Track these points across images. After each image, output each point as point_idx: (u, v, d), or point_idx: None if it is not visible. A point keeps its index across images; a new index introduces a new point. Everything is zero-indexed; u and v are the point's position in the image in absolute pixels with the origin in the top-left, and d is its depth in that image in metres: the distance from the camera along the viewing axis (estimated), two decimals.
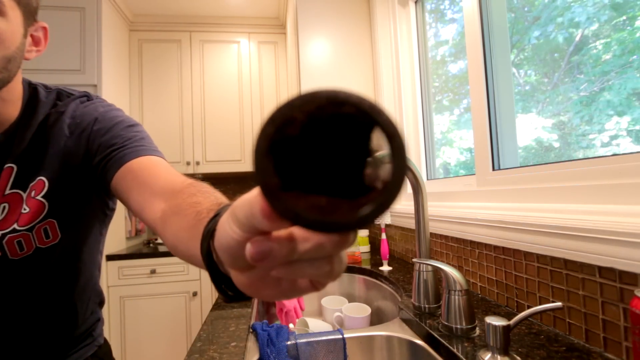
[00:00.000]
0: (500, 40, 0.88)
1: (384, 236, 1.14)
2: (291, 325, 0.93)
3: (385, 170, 0.12)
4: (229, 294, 0.24)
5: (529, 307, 0.63)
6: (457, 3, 1.17)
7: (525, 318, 0.45)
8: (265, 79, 2.29)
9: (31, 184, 0.51)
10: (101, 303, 0.70)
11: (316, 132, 0.13)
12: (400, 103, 1.40)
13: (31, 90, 0.55)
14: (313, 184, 0.13)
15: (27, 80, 0.56)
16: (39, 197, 0.51)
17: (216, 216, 0.25)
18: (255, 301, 0.88)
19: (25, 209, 0.50)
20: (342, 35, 1.53)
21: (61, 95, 0.57)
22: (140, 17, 2.18)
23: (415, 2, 1.37)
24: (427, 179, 1.32)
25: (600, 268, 0.49)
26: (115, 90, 1.92)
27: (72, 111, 0.54)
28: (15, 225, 0.50)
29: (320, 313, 1.14)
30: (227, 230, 0.18)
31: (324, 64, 1.51)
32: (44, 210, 0.52)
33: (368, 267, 1.15)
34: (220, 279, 0.24)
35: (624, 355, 0.46)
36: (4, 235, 0.49)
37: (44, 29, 0.56)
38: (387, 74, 1.45)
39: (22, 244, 0.51)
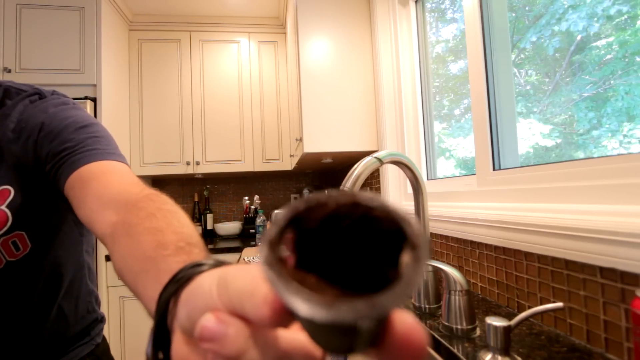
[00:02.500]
0: (500, 40, 0.87)
1: None
2: None
3: (404, 283, 0.11)
4: (159, 356, 0.20)
5: (529, 307, 0.63)
6: (457, 2, 1.17)
7: (526, 318, 0.45)
8: (265, 79, 2.29)
9: None
10: (97, 301, 0.69)
11: (341, 226, 0.12)
12: (400, 103, 1.39)
13: None
14: (319, 271, 0.13)
15: None
16: (2, 207, 0.47)
17: (197, 266, 0.21)
18: None
19: None
20: (342, 35, 1.53)
21: (9, 92, 0.52)
22: (139, 16, 2.18)
23: (416, 2, 1.36)
24: (428, 179, 1.32)
25: (601, 268, 0.49)
26: (114, 90, 1.92)
27: (18, 113, 0.49)
28: None
29: None
30: (206, 296, 0.16)
31: (324, 63, 1.51)
32: (8, 222, 0.47)
33: None
34: (160, 333, 0.20)
35: (626, 356, 0.46)
36: None
37: None
38: (387, 73, 1.45)
39: None
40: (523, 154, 0.86)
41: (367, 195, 0.12)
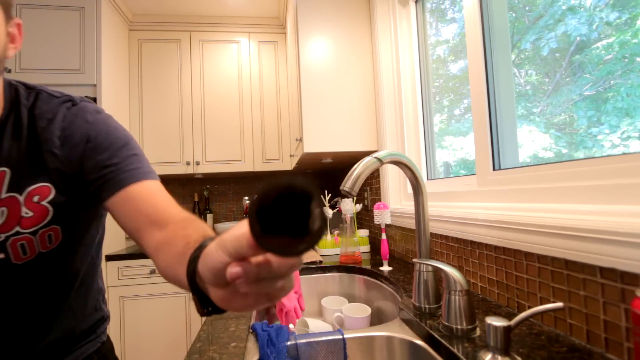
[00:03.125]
0: (500, 40, 0.87)
1: (384, 236, 1.13)
2: (291, 326, 0.93)
3: (316, 224, 0.21)
4: (208, 309, 0.31)
5: (529, 307, 0.63)
6: (457, 2, 1.17)
7: (526, 318, 0.45)
8: (265, 79, 2.29)
9: (29, 189, 0.51)
10: (103, 299, 0.71)
11: (284, 201, 0.21)
12: (400, 103, 1.39)
13: (12, 91, 0.53)
14: (281, 229, 0.21)
15: (7, 79, 0.55)
16: (43, 203, 0.51)
17: (201, 246, 0.32)
18: None
19: (27, 213, 0.50)
20: (342, 35, 1.53)
21: (42, 96, 0.55)
22: (139, 16, 2.18)
23: (416, 2, 1.36)
24: (428, 179, 1.32)
25: (601, 268, 0.49)
26: (114, 90, 1.92)
27: (60, 121, 0.53)
28: (17, 228, 0.50)
29: (320, 313, 1.13)
30: (215, 256, 0.25)
31: (324, 63, 1.51)
32: (48, 216, 0.52)
33: (368, 267, 1.15)
34: (200, 296, 0.31)
35: (626, 356, 0.46)
36: (7, 237, 0.50)
37: (18, 25, 0.53)
38: (387, 73, 1.45)
39: (25, 247, 0.51)
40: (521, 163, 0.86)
41: (285, 181, 0.21)
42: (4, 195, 0.49)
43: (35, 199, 0.51)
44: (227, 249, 0.24)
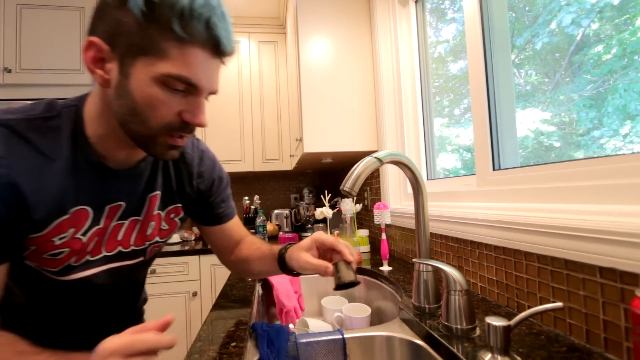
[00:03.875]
0: (500, 40, 0.87)
1: (384, 236, 1.13)
2: (291, 326, 0.93)
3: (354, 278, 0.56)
4: (290, 272, 0.65)
5: (529, 307, 0.63)
6: (457, 2, 1.17)
7: (526, 318, 0.45)
8: (265, 79, 2.29)
9: (169, 208, 0.64)
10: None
11: (346, 283, 0.55)
12: (400, 103, 1.39)
13: None
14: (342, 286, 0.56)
15: None
16: (176, 219, 0.66)
17: (284, 247, 0.65)
18: (256, 301, 0.88)
19: (164, 226, 0.64)
20: (342, 35, 1.53)
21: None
22: None
23: (416, 2, 1.36)
24: (427, 179, 1.32)
25: (601, 268, 0.49)
26: None
27: (197, 158, 0.66)
28: (157, 238, 0.64)
29: (320, 313, 1.13)
30: (300, 262, 0.60)
31: (324, 63, 1.51)
32: (176, 228, 0.68)
33: (368, 267, 1.15)
34: (284, 268, 0.65)
35: (625, 355, 0.46)
36: (150, 244, 0.63)
37: None
38: (387, 73, 1.45)
39: (155, 250, 0.67)
40: (522, 137, 0.85)
41: (352, 275, 0.56)
42: (155, 212, 0.62)
43: (172, 215, 0.65)
44: (301, 265, 0.60)
